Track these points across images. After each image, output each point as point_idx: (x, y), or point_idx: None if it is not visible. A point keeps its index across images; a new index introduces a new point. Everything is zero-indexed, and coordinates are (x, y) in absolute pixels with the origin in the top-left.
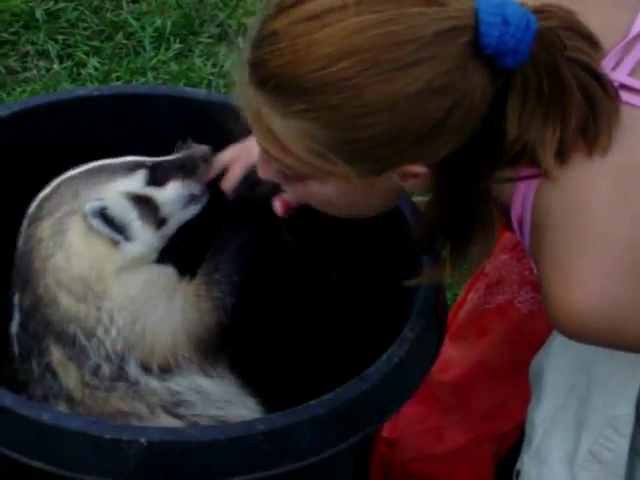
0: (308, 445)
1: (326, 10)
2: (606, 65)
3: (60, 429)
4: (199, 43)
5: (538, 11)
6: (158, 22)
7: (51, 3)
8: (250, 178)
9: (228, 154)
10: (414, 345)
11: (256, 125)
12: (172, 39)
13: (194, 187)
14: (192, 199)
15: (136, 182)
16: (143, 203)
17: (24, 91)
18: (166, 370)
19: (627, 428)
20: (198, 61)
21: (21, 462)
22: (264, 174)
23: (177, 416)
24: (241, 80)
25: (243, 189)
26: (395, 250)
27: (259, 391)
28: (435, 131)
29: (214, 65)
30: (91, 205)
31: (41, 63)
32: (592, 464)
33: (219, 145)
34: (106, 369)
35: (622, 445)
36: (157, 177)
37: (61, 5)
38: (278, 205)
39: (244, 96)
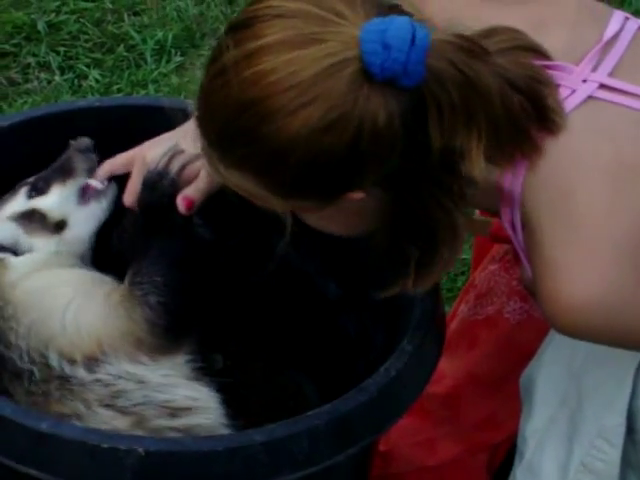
0: (306, 456)
1: (224, 68)
2: (584, 68)
3: (58, 438)
4: (200, 56)
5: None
6: (159, 35)
7: (53, 15)
8: (147, 183)
9: (125, 156)
10: (412, 357)
11: (218, 177)
12: (173, 52)
13: (81, 182)
14: (86, 194)
15: (19, 201)
16: (28, 217)
17: (25, 102)
18: (92, 360)
19: (618, 439)
20: (199, 74)
21: (19, 471)
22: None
23: (118, 410)
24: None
25: (145, 196)
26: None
27: (257, 403)
28: (351, 160)
29: None
30: None
31: (42, 75)
32: (585, 475)
33: None
34: (36, 372)
35: (614, 456)
36: (39, 188)
37: (63, 17)
38: (180, 203)
39: (202, 151)
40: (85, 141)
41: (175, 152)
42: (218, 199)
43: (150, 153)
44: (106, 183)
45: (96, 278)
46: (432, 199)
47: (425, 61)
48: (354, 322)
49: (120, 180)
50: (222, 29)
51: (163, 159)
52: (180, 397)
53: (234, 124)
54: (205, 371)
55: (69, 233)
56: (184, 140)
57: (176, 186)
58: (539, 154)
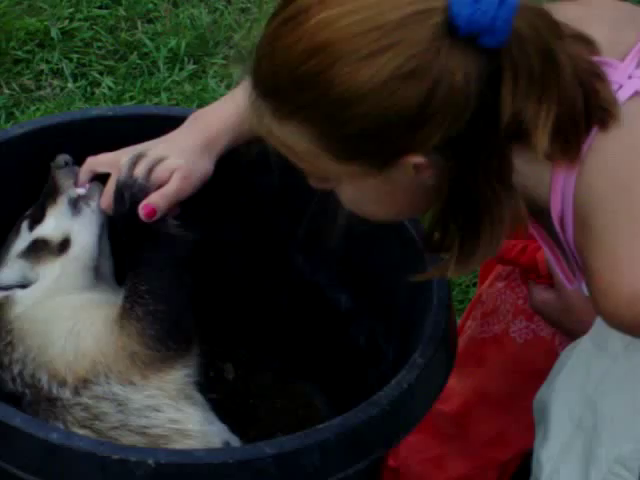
0: (316, 469)
1: (296, 13)
2: (629, 64)
3: (68, 449)
4: (213, 64)
5: None
6: (172, 43)
7: (66, 22)
8: (117, 191)
9: (108, 156)
10: (423, 371)
11: (264, 136)
12: (186, 60)
13: (69, 196)
14: (77, 204)
15: (23, 237)
16: (32, 249)
17: (38, 109)
18: (82, 382)
19: (635, 464)
20: (212, 82)
21: None
22: (311, 183)
23: (95, 431)
24: (250, 93)
25: (116, 205)
26: (406, 274)
27: (267, 413)
28: (419, 117)
29: (228, 86)
30: None
31: (55, 82)
32: None
33: (230, 166)
34: (28, 395)
35: None
36: (37, 218)
37: (76, 24)
38: (140, 211)
39: (251, 107)
40: (62, 157)
41: (139, 156)
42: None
43: (123, 158)
44: (87, 186)
45: (102, 299)
46: (487, 175)
47: (512, 21)
48: (365, 333)
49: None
50: (235, 37)
51: (128, 164)
52: (159, 422)
53: (300, 69)
54: (215, 381)
55: (74, 248)
56: (155, 145)
57: (145, 192)
58: (594, 147)
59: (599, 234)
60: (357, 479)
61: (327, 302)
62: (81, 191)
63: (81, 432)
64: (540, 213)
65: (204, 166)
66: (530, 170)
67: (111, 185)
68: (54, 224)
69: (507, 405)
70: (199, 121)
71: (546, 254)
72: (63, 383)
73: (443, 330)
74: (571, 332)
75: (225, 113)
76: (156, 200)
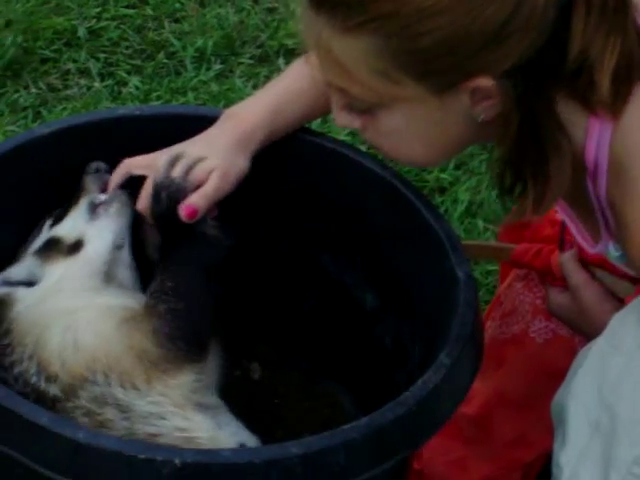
0: (342, 469)
1: None
2: None
3: (95, 448)
4: (240, 64)
5: None
6: (199, 42)
7: (93, 21)
8: (154, 192)
9: (145, 158)
10: (450, 371)
11: (319, 55)
12: (213, 59)
13: (90, 199)
14: (96, 209)
15: (43, 234)
16: (46, 247)
17: (65, 109)
18: (79, 381)
19: None
20: (239, 82)
21: None
22: (339, 120)
23: None
24: (303, 11)
25: (154, 206)
26: (434, 275)
27: (293, 412)
28: (498, 36)
29: (255, 86)
30: None
31: (82, 81)
32: None
33: (257, 165)
34: (30, 396)
35: None
36: (58, 217)
37: (103, 24)
38: (181, 212)
39: (306, 26)
40: (96, 164)
41: (176, 157)
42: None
43: (160, 159)
44: (111, 193)
45: (109, 302)
46: (551, 109)
47: None
48: (391, 333)
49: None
50: (262, 37)
51: (165, 165)
52: (167, 430)
53: None
54: (241, 380)
55: (85, 251)
56: (192, 145)
57: (184, 192)
58: (635, 99)
59: (636, 185)
60: (383, 479)
61: (353, 301)
62: (102, 197)
63: None
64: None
65: (240, 164)
66: (569, 116)
67: (148, 187)
68: (70, 225)
69: (529, 405)
70: (233, 119)
71: (565, 222)
72: (54, 379)
73: (470, 330)
74: (587, 334)
75: (259, 109)
76: (197, 200)
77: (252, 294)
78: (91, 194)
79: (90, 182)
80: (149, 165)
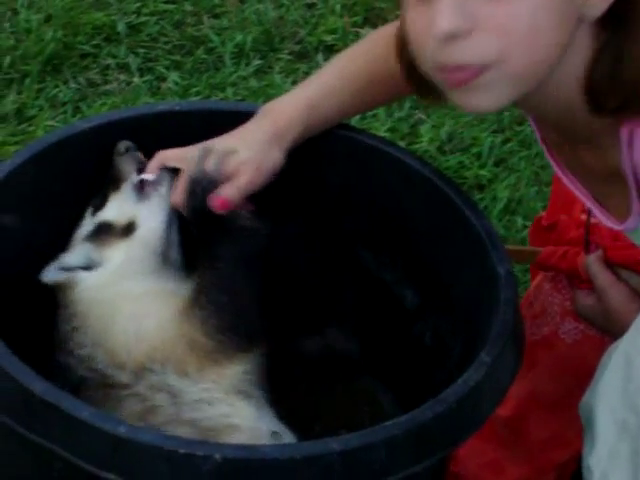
0: (383, 466)
1: None
2: None
3: (136, 442)
4: (279, 60)
5: None
6: (239, 38)
7: (133, 17)
8: (188, 187)
9: (178, 151)
10: (490, 369)
11: None
12: (252, 55)
13: (133, 180)
14: (143, 189)
15: (87, 222)
16: (97, 233)
17: (104, 104)
18: (139, 369)
19: None
20: (278, 78)
21: (96, 474)
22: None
23: (147, 425)
24: None
25: (190, 201)
26: (475, 272)
27: (332, 411)
28: None
29: (294, 82)
30: (45, 270)
31: (122, 76)
32: None
33: (297, 162)
34: (89, 381)
35: None
36: (99, 204)
37: (143, 19)
38: (214, 203)
39: None
40: (123, 144)
41: (209, 150)
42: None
43: (193, 153)
44: (157, 172)
45: (167, 288)
46: None
47: None
48: (431, 330)
49: None
50: (301, 33)
51: (198, 158)
52: (210, 415)
53: None
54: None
55: (140, 231)
56: (225, 139)
57: (215, 184)
58: None
59: None
60: (422, 477)
61: (393, 299)
62: (149, 177)
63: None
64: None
65: (274, 157)
66: None
67: (182, 181)
68: (117, 209)
69: (562, 406)
70: (268, 114)
71: (587, 205)
72: (122, 367)
73: (510, 328)
74: (615, 335)
75: (295, 105)
76: (229, 192)
77: (291, 291)
78: (131, 175)
79: (124, 163)
80: (182, 158)
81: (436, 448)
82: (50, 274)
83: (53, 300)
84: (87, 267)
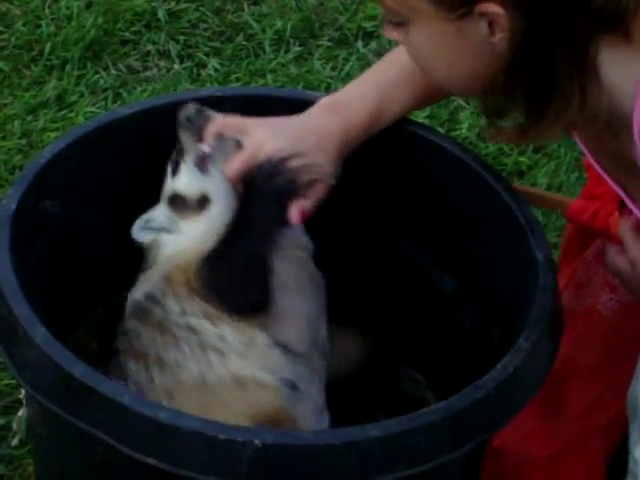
0: (422, 452)
1: None
2: None
3: (176, 428)
4: (319, 46)
5: None
6: (278, 24)
7: (173, 3)
8: (270, 169)
9: (230, 123)
10: (529, 355)
11: None
12: (292, 42)
13: (195, 153)
14: (204, 163)
15: (167, 183)
16: (174, 200)
17: (144, 90)
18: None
19: None
20: (317, 64)
21: (137, 459)
22: (385, 32)
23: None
24: None
25: (273, 209)
26: (513, 258)
27: (370, 397)
28: None
29: (333, 68)
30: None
31: (162, 63)
32: None
33: None
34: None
35: None
36: (174, 169)
37: (183, 6)
38: (294, 213)
39: None
40: (184, 112)
41: (294, 155)
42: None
43: (251, 127)
44: (213, 144)
45: None
46: (565, 54)
47: None
48: (470, 316)
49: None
50: (341, 20)
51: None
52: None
53: None
54: None
55: (215, 207)
56: (303, 142)
57: (295, 189)
58: None
59: None
60: (461, 463)
61: (432, 285)
62: (206, 149)
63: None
64: (619, 123)
65: (339, 171)
66: (616, 68)
67: (247, 155)
68: (187, 181)
69: (601, 372)
70: (339, 115)
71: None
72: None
73: (549, 314)
74: None
75: (364, 112)
76: (308, 205)
77: (329, 276)
78: (192, 148)
79: (185, 135)
80: (240, 129)
81: (475, 434)
82: (137, 232)
83: (93, 284)
84: (169, 230)
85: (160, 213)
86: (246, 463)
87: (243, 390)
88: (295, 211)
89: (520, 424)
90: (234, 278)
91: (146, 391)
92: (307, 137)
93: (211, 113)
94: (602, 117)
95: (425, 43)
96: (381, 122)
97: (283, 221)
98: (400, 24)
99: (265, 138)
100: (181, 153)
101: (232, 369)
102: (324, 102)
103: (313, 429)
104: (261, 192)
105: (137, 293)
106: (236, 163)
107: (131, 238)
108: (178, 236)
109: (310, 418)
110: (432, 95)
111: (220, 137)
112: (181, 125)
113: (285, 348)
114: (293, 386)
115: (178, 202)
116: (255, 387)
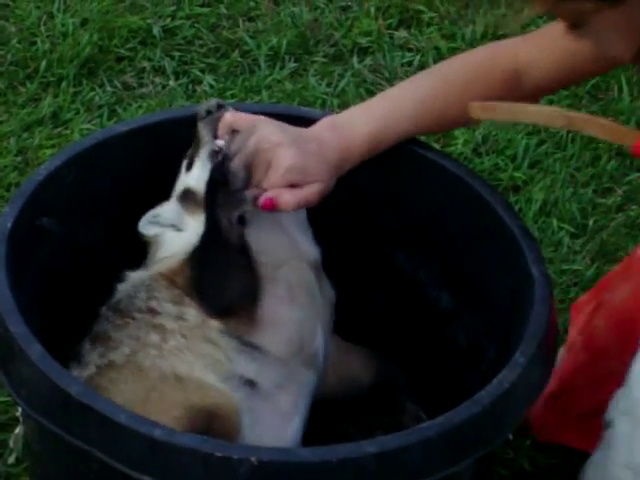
0: (418, 468)
1: None
2: None
3: (171, 445)
4: (314, 62)
5: None
6: (273, 41)
7: (168, 20)
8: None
9: (242, 120)
10: (525, 370)
11: None
12: (287, 58)
13: (209, 148)
14: (215, 159)
15: (181, 178)
16: (185, 196)
17: (140, 107)
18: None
19: None
20: (313, 80)
21: (132, 477)
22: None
23: None
24: None
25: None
26: (509, 273)
27: (366, 413)
28: None
29: (328, 84)
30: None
31: (157, 79)
32: None
33: None
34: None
35: None
36: (189, 163)
37: (178, 22)
38: (264, 200)
39: None
40: (206, 105)
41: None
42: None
43: (276, 138)
44: (227, 138)
45: None
46: None
47: None
48: (465, 332)
49: None
50: (336, 36)
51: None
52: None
53: None
54: None
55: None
56: (298, 135)
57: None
58: None
59: None
60: (459, 479)
61: (427, 300)
62: (220, 143)
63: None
64: None
65: (333, 184)
66: None
67: (247, 149)
68: (197, 176)
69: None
70: (338, 135)
71: None
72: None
73: (544, 329)
74: None
75: (366, 130)
76: (287, 198)
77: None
78: (208, 143)
79: (203, 128)
80: (250, 127)
81: (471, 449)
82: (145, 225)
83: (90, 301)
84: (176, 227)
85: (170, 209)
86: None
87: (179, 383)
88: (265, 198)
89: (582, 366)
90: (215, 277)
91: (82, 364)
92: (310, 142)
93: (230, 108)
94: None
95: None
96: (382, 145)
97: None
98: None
99: (269, 135)
100: (197, 147)
101: (171, 361)
102: (325, 120)
103: (270, 432)
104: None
105: (121, 286)
106: (239, 158)
107: (129, 253)
108: (181, 234)
109: (268, 419)
110: (440, 124)
111: (233, 131)
112: (200, 118)
113: (255, 347)
114: (251, 384)
115: (189, 198)
116: (193, 384)
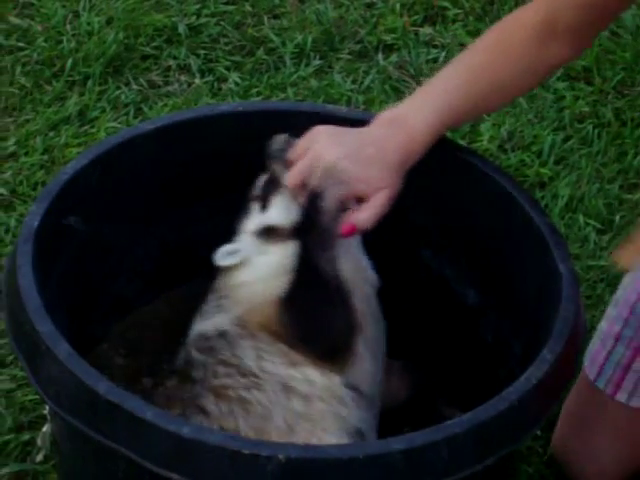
0: (445, 465)
1: None
2: None
3: (199, 443)
4: (339, 59)
5: None
6: (299, 38)
7: (193, 18)
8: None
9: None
10: (552, 366)
11: None
12: (312, 55)
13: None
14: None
15: (253, 217)
16: (264, 232)
17: (165, 105)
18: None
19: None
20: (338, 77)
21: (160, 474)
22: None
23: None
24: None
25: (323, 220)
26: (536, 270)
27: (394, 410)
28: None
29: (354, 81)
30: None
31: (183, 77)
32: None
33: None
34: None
35: None
36: (264, 203)
37: (203, 20)
38: (345, 228)
39: None
40: (276, 144)
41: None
42: None
43: (331, 152)
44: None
45: None
46: None
47: None
48: (493, 329)
49: None
50: (361, 33)
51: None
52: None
53: None
54: None
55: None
56: (360, 146)
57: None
58: None
59: None
60: (486, 476)
61: (454, 297)
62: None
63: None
64: None
65: (400, 182)
66: None
67: (302, 165)
68: (282, 214)
69: None
70: (399, 130)
71: None
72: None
73: (571, 326)
74: None
75: (428, 129)
76: (363, 216)
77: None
78: (285, 183)
79: (278, 167)
80: (304, 150)
81: (498, 446)
82: (221, 258)
83: (116, 300)
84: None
85: (248, 244)
86: (270, 478)
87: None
88: (346, 225)
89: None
90: (319, 322)
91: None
92: (366, 149)
93: (298, 142)
94: None
95: None
96: (444, 130)
97: (332, 240)
98: None
99: (324, 149)
100: (274, 185)
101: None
102: (383, 116)
103: None
104: (308, 223)
105: (205, 325)
106: (295, 174)
107: (154, 252)
108: (266, 257)
109: None
110: (490, 103)
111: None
112: (272, 156)
113: (357, 391)
114: (361, 435)
115: (270, 234)
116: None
